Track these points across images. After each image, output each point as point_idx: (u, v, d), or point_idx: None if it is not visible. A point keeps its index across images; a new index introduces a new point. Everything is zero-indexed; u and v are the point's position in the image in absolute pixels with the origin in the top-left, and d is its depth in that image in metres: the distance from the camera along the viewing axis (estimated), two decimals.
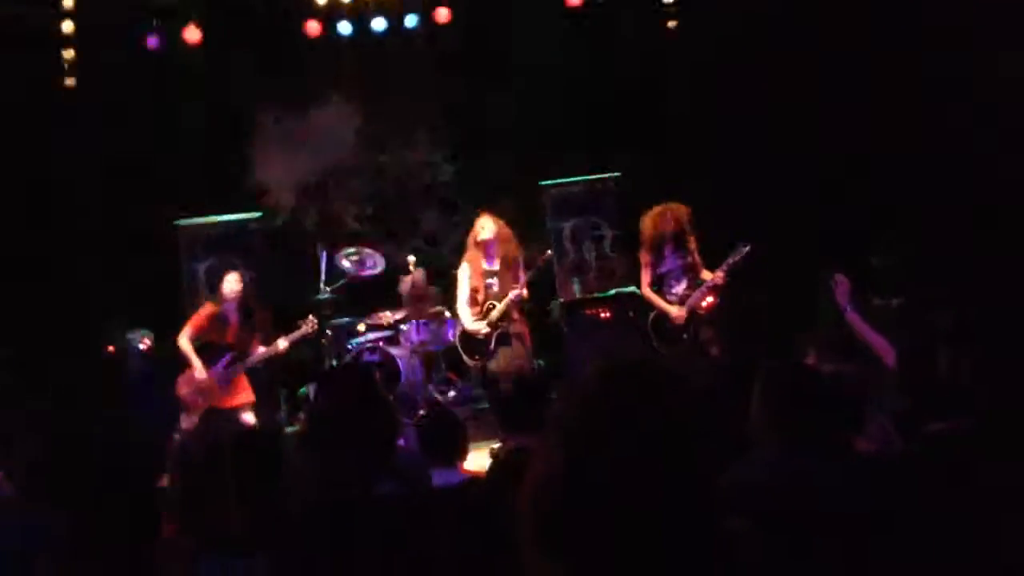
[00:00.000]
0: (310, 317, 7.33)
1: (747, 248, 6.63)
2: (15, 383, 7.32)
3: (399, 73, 10.08)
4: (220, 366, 6.78)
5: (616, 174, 9.07)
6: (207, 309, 7.01)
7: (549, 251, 7.09)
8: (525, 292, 7.04)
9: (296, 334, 7.13)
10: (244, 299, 6.98)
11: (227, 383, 6.78)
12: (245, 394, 6.92)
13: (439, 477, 3.85)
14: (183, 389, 6.81)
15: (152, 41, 9.01)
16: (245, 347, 6.94)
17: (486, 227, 7.03)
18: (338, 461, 2.85)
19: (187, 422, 6.68)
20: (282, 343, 7.03)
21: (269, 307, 7.59)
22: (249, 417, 6.78)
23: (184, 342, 6.84)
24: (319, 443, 2.93)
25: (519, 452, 3.91)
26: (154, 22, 9.00)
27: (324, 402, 3.07)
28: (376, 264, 8.45)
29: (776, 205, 8.64)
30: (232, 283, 6.95)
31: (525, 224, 9.86)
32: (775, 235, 7.95)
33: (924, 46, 7.95)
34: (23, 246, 8.43)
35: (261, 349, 7.01)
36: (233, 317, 6.95)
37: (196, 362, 6.75)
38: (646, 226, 6.95)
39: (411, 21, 9.35)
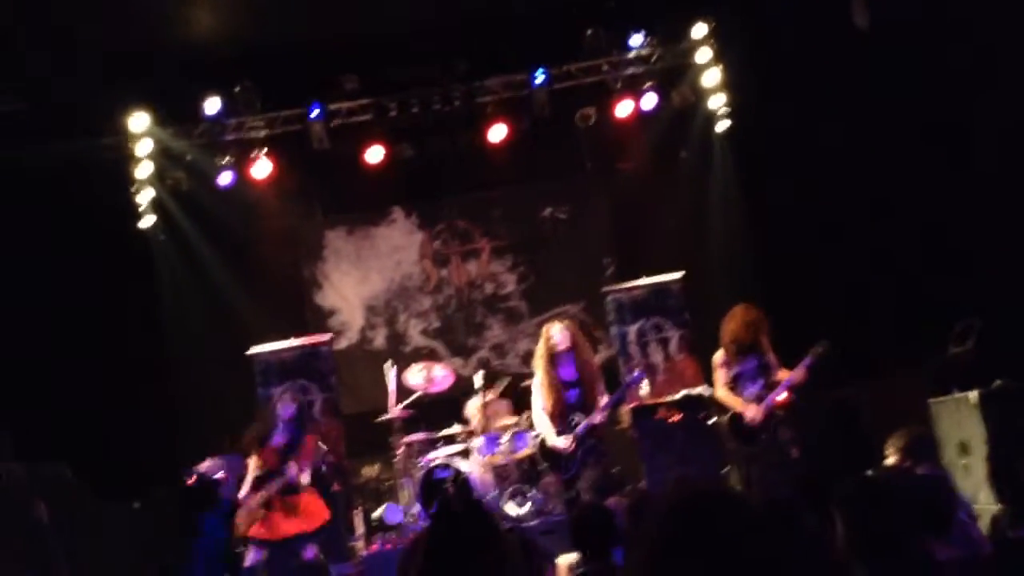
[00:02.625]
0: (321, 446, 7.30)
1: (824, 347, 6.54)
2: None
3: (457, 188, 10.42)
4: (262, 492, 6.56)
5: (678, 275, 9.08)
6: (254, 437, 6.82)
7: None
8: (606, 413, 6.97)
9: (312, 462, 6.89)
10: (297, 421, 6.88)
11: (262, 509, 6.56)
12: (301, 523, 6.60)
13: None
14: (240, 521, 6.62)
15: (225, 177, 9.46)
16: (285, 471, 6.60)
17: (558, 336, 7.01)
18: None
19: (251, 557, 6.53)
20: (305, 477, 6.62)
21: (316, 430, 7.55)
22: (309, 551, 6.58)
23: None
24: None
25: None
26: (225, 159, 9.45)
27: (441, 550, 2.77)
28: (444, 379, 8.52)
29: (852, 299, 8.59)
30: (287, 405, 6.82)
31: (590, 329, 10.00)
32: (852, 331, 7.88)
33: None
34: (102, 378, 8.73)
35: (284, 476, 6.60)
36: (278, 440, 6.75)
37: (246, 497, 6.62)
38: (726, 328, 6.91)
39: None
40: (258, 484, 6.62)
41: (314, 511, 6.71)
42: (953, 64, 8.07)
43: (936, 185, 8.53)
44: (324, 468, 7.82)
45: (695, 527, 1.81)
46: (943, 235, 8.52)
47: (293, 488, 6.58)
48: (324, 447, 6.86)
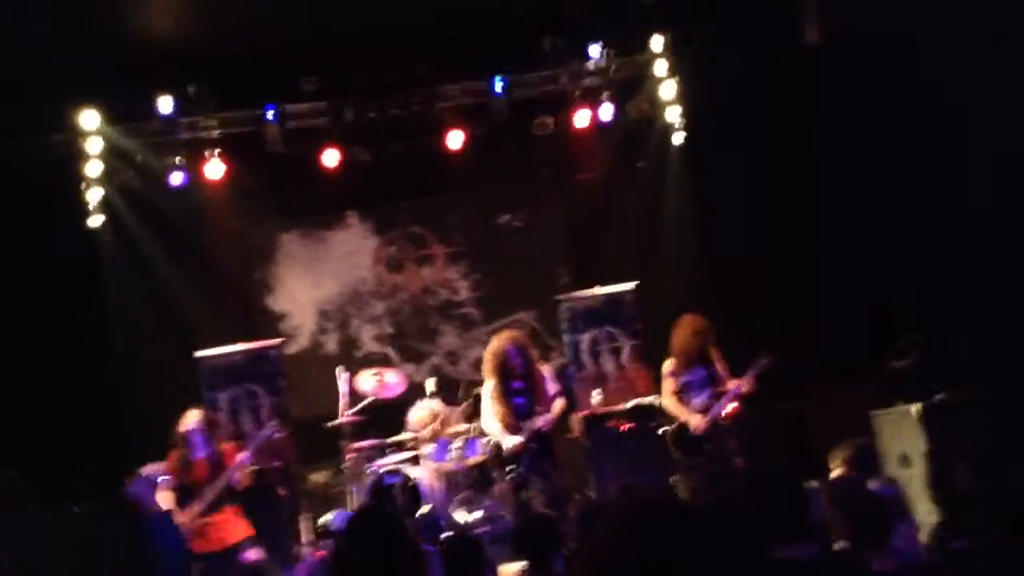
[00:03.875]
0: (270, 421, 7.30)
1: (769, 358, 6.63)
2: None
3: (413, 193, 10.39)
4: (195, 504, 6.61)
5: (632, 284, 9.15)
6: (173, 453, 6.86)
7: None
8: (551, 421, 6.99)
9: (256, 441, 6.98)
10: (208, 433, 6.85)
11: (201, 519, 6.60)
12: (241, 529, 6.72)
13: None
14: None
15: (176, 177, 9.33)
16: (215, 479, 6.70)
17: (502, 347, 7.02)
18: None
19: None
20: (244, 454, 6.80)
21: (233, 438, 7.55)
22: (252, 553, 6.59)
23: (163, 496, 6.73)
24: None
25: None
26: (177, 159, 9.32)
27: (353, 556, 2.95)
28: (397, 385, 8.48)
29: (801, 312, 8.72)
30: (191, 420, 6.82)
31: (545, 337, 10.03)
32: (800, 343, 8.00)
33: None
34: (45, 379, 8.56)
35: (224, 474, 6.72)
36: (199, 454, 6.78)
37: (176, 512, 6.61)
38: (675, 337, 6.99)
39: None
40: (187, 499, 6.59)
41: (244, 522, 6.72)
42: (904, 78, 8.24)
43: (885, 199, 8.71)
44: (269, 472, 7.77)
45: (637, 536, 1.82)
46: (891, 248, 8.67)
47: (222, 499, 6.59)
48: (245, 453, 6.79)
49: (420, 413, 8.25)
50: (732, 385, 6.77)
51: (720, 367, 6.86)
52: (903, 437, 6.53)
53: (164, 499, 6.71)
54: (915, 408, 6.45)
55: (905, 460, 6.39)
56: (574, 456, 8.43)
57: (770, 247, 9.17)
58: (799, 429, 7.95)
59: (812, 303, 8.91)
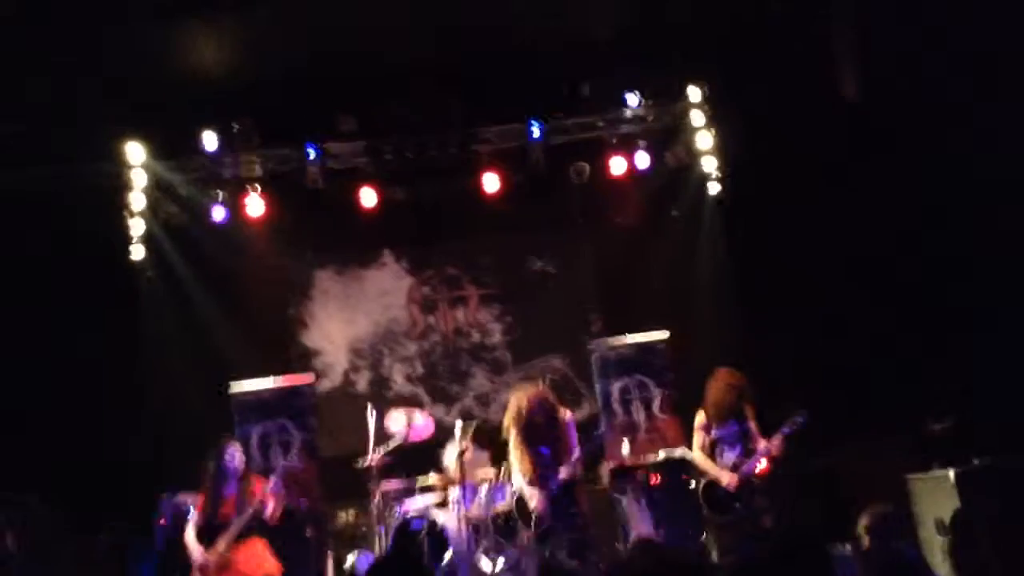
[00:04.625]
0: (291, 452, 7.28)
1: (803, 416, 6.56)
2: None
3: (449, 235, 10.47)
4: (222, 537, 6.57)
5: (664, 333, 9.12)
6: (204, 488, 6.84)
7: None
8: (576, 471, 6.92)
9: (279, 470, 6.93)
10: (240, 469, 6.83)
11: (228, 552, 6.56)
12: (269, 565, 6.69)
13: None
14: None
15: (217, 212, 9.47)
16: (242, 514, 6.67)
17: (525, 404, 6.95)
18: None
19: None
20: (272, 481, 6.76)
21: (263, 473, 7.54)
22: None
23: (190, 537, 6.66)
24: None
25: None
26: (219, 195, 9.47)
27: None
28: (426, 427, 8.47)
29: (833, 370, 8.65)
30: (223, 454, 6.81)
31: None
32: (835, 400, 7.92)
33: None
34: (78, 408, 8.66)
35: (253, 506, 6.70)
36: (231, 489, 6.78)
37: (195, 551, 6.57)
38: (708, 391, 6.94)
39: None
40: (213, 536, 6.57)
41: (269, 558, 6.69)
42: (943, 136, 8.21)
43: (923, 256, 8.64)
44: (296, 511, 7.78)
45: None
46: (929, 308, 8.59)
47: (250, 531, 6.57)
48: (266, 494, 6.76)
49: (452, 454, 8.26)
50: (764, 443, 6.69)
51: (753, 424, 6.79)
52: (939, 503, 6.42)
53: (189, 536, 6.70)
54: (951, 474, 6.34)
55: (941, 527, 6.27)
56: (602, 507, 8.36)
57: (805, 301, 9.10)
58: (832, 489, 7.84)
59: (847, 359, 8.82)
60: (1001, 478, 6.20)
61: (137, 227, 9.27)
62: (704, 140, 9.65)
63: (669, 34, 9.19)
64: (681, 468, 7.90)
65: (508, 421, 6.99)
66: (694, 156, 9.83)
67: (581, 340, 9.73)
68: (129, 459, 8.75)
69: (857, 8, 8.33)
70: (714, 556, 6.83)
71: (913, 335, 8.47)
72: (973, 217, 8.17)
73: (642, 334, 9.17)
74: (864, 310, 9.04)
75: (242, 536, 6.66)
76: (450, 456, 8.32)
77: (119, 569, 7.79)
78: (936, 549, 6.31)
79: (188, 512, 7.23)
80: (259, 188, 9.51)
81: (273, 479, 6.78)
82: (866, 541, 4.59)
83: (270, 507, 6.71)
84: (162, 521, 7.55)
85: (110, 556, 7.82)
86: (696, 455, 7.03)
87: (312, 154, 9.45)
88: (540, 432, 6.86)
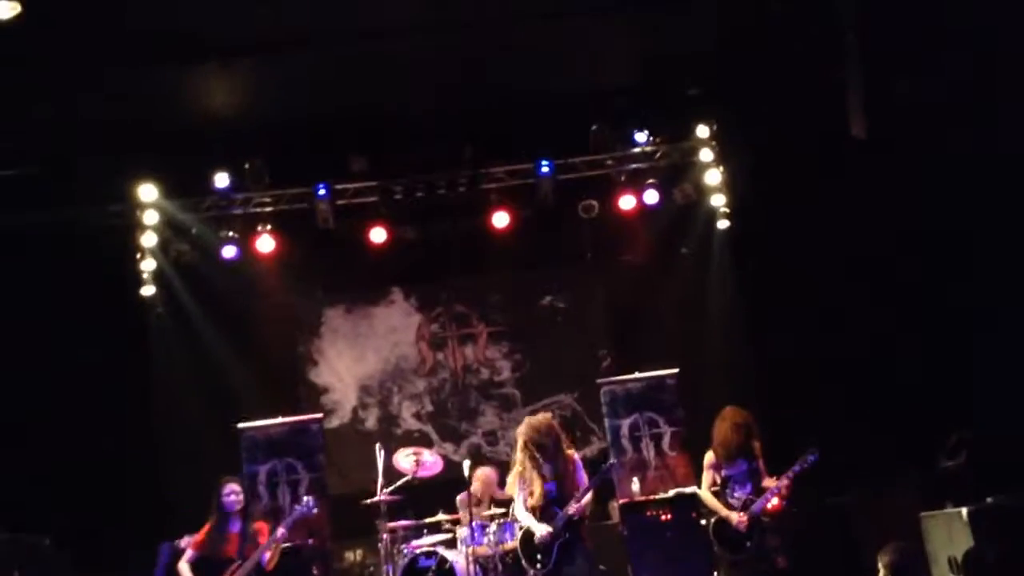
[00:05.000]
0: (305, 497, 7.19)
1: (815, 455, 6.51)
2: None
3: (458, 272, 10.50)
4: None
5: (674, 371, 9.08)
6: (207, 525, 6.77)
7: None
8: (583, 507, 6.86)
9: (291, 517, 6.88)
10: (245, 507, 6.84)
11: None
12: None
13: None
14: None
15: (228, 251, 9.54)
16: (245, 555, 6.58)
17: (534, 432, 6.88)
18: None
19: None
20: (280, 530, 6.68)
21: (269, 512, 7.48)
22: None
23: (183, 567, 6.63)
24: None
25: None
26: (230, 233, 9.55)
27: None
28: (434, 465, 8.43)
29: (847, 406, 8.59)
30: (228, 493, 6.73)
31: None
32: (846, 438, 7.86)
33: None
34: (86, 445, 8.67)
35: (258, 551, 6.59)
36: (234, 527, 6.70)
37: None
38: (716, 429, 6.89)
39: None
40: (212, 573, 6.51)
41: None
42: (950, 173, 8.21)
43: (935, 294, 8.60)
44: (303, 549, 7.72)
45: None
46: (941, 346, 8.54)
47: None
48: (281, 529, 6.70)
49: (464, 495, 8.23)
50: (774, 482, 6.64)
51: (762, 462, 6.74)
52: (952, 541, 6.33)
53: (183, 569, 6.66)
54: (964, 512, 6.26)
55: (954, 565, 6.18)
56: (612, 543, 8.28)
57: (816, 338, 9.07)
58: (844, 527, 7.74)
59: (858, 398, 8.77)
60: (1015, 516, 6.11)
61: (148, 265, 9.35)
62: (712, 176, 9.69)
63: (676, 72, 9.25)
64: (691, 505, 7.83)
65: (517, 445, 6.95)
66: (703, 193, 9.87)
67: (591, 377, 9.68)
68: (136, 498, 8.74)
69: (863, 48, 8.37)
70: None
71: (930, 373, 8.41)
72: (987, 254, 8.14)
73: (652, 371, 9.13)
74: (878, 347, 9.00)
75: None
76: (459, 498, 8.27)
77: None
78: None
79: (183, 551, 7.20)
80: (269, 226, 9.59)
81: (282, 528, 6.71)
82: None
83: (267, 556, 6.65)
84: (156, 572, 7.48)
85: None
86: (704, 494, 6.97)
87: (322, 192, 9.52)
88: (548, 454, 6.81)
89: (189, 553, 6.71)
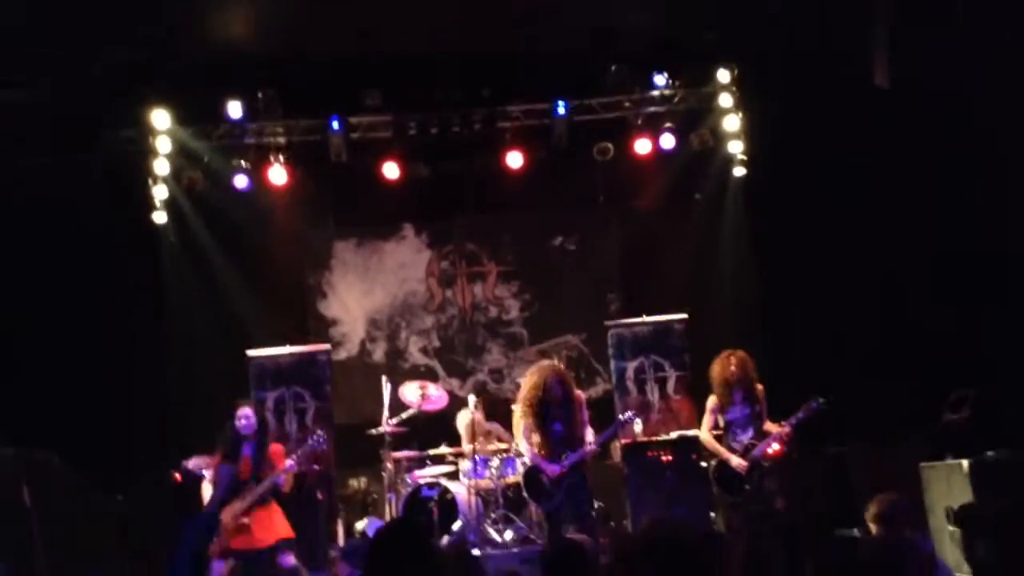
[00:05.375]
0: (318, 431, 7.30)
1: (819, 403, 6.54)
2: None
3: (470, 210, 10.48)
4: (238, 501, 6.56)
5: (682, 315, 9.08)
6: (220, 448, 6.78)
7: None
8: (591, 452, 6.93)
9: (302, 451, 6.96)
10: (258, 432, 6.91)
11: (243, 518, 6.55)
12: (282, 529, 6.69)
13: None
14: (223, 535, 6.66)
15: (240, 181, 9.53)
16: (259, 478, 6.65)
17: (543, 379, 6.91)
18: None
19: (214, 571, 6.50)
20: (289, 462, 6.78)
21: (278, 438, 7.57)
22: (288, 558, 6.60)
23: (207, 488, 6.76)
24: None
25: None
26: (242, 163, 9.53)
27: (378, 563, 3.03)
28: (440, 399, 8.53)
29: (853, 358, 8.60)
30: (241, 417, 6.75)
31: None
32: (852, 388, 7.88)
33: None
34: (98, 368, 8.77)
35: (270, 477, 6.68)
36: (246, 451, 6.75)
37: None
38: (714, 371, 6.95)
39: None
40: (230, 496, 6.61)
41: (283, 522, 6.72)
42: (970, 125, 8.09)
43: (948, 247, 8.54)
44: (309, 476, 7.84)
45: (658, 568, 1.83)
46: (951, 298, 8.51)
47: (266, 498, 6.62)
48: (292, 460, 6.79)
49: (465, 418, 8.36)
50: (776, 428, 6.69)
51: (764, 407, 6.78)
52: (952, 492, 6.38)
53: (206, 493, 6.79)
54: (965, 464, 6.30)
55: (953, 516, 6.23)
56: (612, 483, 8.38)
57: (826, 288, 9.04)
58: (843, 476, 7.80)
59: (866, 348, 8.77)
60: (1015, 470, 6.15)
61: (160, 192, 9.36)
62: (731, 122, 9.58)
63: (698, 15, 9.10)
64: (693, 448, 7.90)
65: (524, 394, 6.99)
66: (720, 138, 9.77)
67: (598, 319, 9.71)
68: (147, 421, 8.87)
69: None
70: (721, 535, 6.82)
71: (937, 323, 8.40)
72: (1001, 208, 8.06)
73: (660, 315, 9.14)
74: (889, 299, 8.97)
75: (256, 503, 6.72)
76: (463, 421, 8.41)
77: (135, 527, 7.89)
78: (946, 537, 6.28)
79: (201, 473, 7.31)
80: (282, 158, 9.57)
81: (290, 460, 6.79)
82: (874, 528, 4.57)
83: (283, 480, 6.75)
84: (177, 477, 7.63)
85: (125, 515, 7.91)
86: (705, 437, 7.04)
87: (336, 126, 9.47)
88: (554, 410, 6.85)
89: (209, 474, 6.80)
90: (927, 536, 6.31)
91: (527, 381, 7.04)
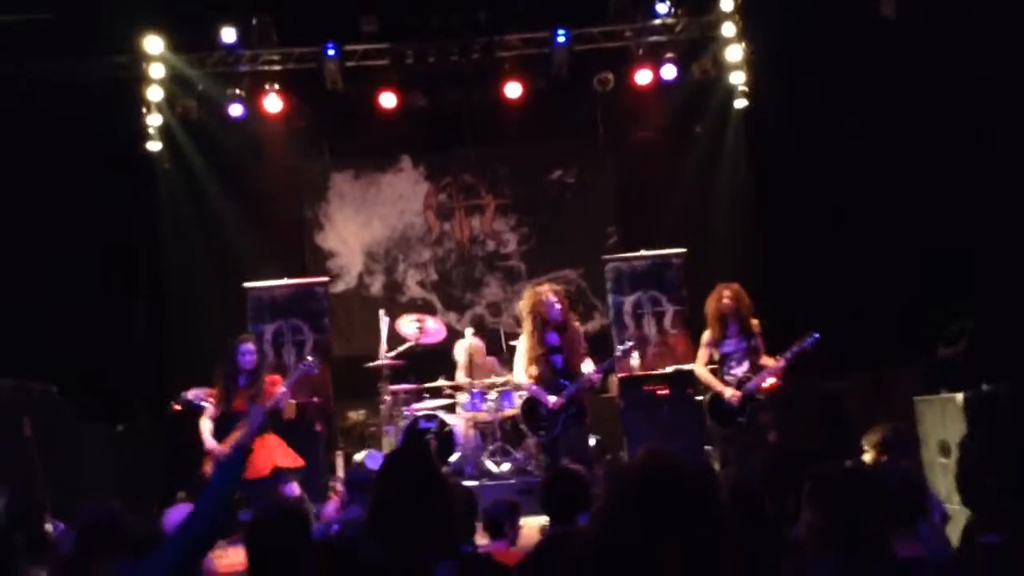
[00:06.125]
0: (308, 356, 7.34)
1: (814, 337, 6.54)
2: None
3: (468, 142, 10.36)
4: (236, 432, 6.63)
5: (681, 250, 9.04)
6: (219, 380, 6.78)
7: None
8: (597, 378, 6.97)
9: (292, 377, 7.00)
10: (255, 365, 6.90)
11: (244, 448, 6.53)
12: (279, 459, 6.66)
13: None
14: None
15: (235, 109, 9.39)
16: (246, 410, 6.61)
17: (550, 303, 6.93)
18: (401, 547, 2.86)
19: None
20: (281, 389, 6.79)
21: (275, 370, 7.60)
22: (293, 487, 6.65)
23: (205, 424, 6.69)
24: (381, 530, 2.93)
25: (563, 538, 3.90)
26: (237, 91, 9.38)
27: (387, 490, 3.05)
28: (437, 332, 8.54)
29: (852, 292, 8.58)
30: (240, 349, 6.73)
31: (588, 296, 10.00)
32: (849, 323, 7.87)
33: None
34: (97, 309, 8.75)
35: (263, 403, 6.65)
36: (243, 383, 6.76)
37: (209, 442, 6.59)
38: (708, 305, 6.95)
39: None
40: (227, 428, 6.63)
41: (287, 451, 6.77)
42: (979, 62, 7.95)
43: (948, 184, 8.47)
44: (307, 407, 7.89)
45: (649, 499, 1.83)
46: (949, 235, 8.46)
47: (264, 427, 6.64)
48: (283, 386, 6.80)
49: (463, 347, 8.40)
50: (771, 361, 6.70)
51: (760, 341, 6.79)
52: (946, 425, 6.41)
53: (205, 428, 6.80)
54: (959, 397, 6.31)
55: (944, 449, 6.28)
56: (608, 416, 8.44)
57: (824, 223, 8.98)
58: (837, 409, 7.85)
59: (863, 283, 8.74)
60: (1010, 404, 6.17)
61: (154, 120, 9.22)
62: (734, 52, 9.41)
63: None
64: (688, 382, 7.93)
65: (524, 314, 7.00)
66: (722, 69, 9.61)
67: (596, 253, 9.65)
68: (144, 352, 8.89)
69: None
70: (716, 467, 6.89)
71: (934, 262, 8.37)
72: (1001, 144, 7.96)
73: (659, 250, 9.10)
74: (887, 236, 8.92)
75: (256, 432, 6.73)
76: (458, 360, 8.42)
77: (134, 457, 7.96)
78: (937, 469, 6.34)
79: (201, 405, 7.33)
80: (277, 86, 9.42)
81: (283, 387, 6.80)
82: (873, 456, 4.59)
83: (284, 404, 6.78)
84: (175, 407, 7.66)
85: (123, 445, 7.98)
86: (700, 370, 7.07)
87: (332, 53, 9.30)
88: (552, 333, 6.87)
89: (210, 409, 6.80)
90: (919, 466, 6.36)
91: (524, 303, 7.06)
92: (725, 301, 6.79)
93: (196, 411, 7.27)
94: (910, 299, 8.47)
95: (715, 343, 6.91)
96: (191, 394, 7.70)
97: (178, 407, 7.70)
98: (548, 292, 6.97)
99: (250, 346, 6.82)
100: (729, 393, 6.70)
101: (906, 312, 8.37)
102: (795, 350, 6.59)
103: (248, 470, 6.55)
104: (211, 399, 6.86)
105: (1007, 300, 7.48)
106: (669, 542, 1.76)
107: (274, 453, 6.71)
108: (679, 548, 1.76)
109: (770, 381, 6.70)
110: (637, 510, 1.80)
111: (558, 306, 6.89)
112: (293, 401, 6.99)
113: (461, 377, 8.35)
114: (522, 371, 7.06)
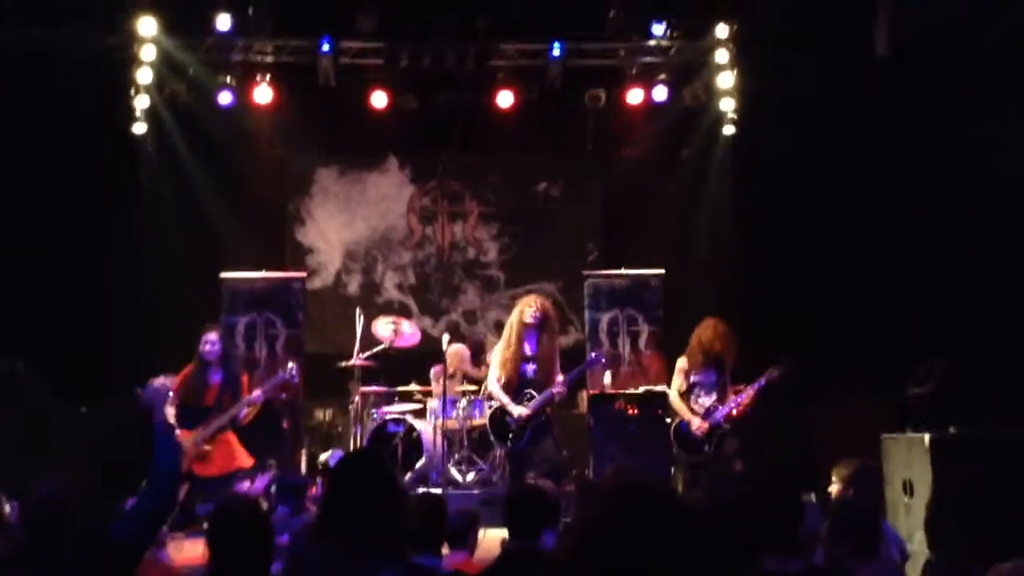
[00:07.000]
0: (289, 364, 7.31)
1: (780, 369, 6.58)
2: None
3: (456, 147, 10.35)
4: (201, 428, 6.61)
5: (659, 271, 9.07)
6: (187, 368, 6.86)
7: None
8: (563, 394, 6.99)
9: (271, 382, 6.98)
10: (225, 359, 6.87)
11: (205, 444, 6.60)
12: (240, 460, 6.75)
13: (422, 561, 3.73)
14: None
15: (224, 97, 9.32)
16: (225, 406, 6.74)
17: (533, 311, 6.95)
18: (348, 549, 2.84)
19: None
20: (256, 392, 6.86)
21: (247, 363, 7.55)
22: (244, 484, 6.62)
23: (168, 411, 6.67)
24: (330, 531, 2.91)
25: (522, 554, 3.88)
26: (228, 79, 9.31)
27: (337, 490, 3.04)
28: (412, 336, 8.49)
29: (825, 324, 8.64)
30: (212, 343, 6.80)
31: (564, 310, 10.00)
32: (821, 355, 7.92)
33: None
34: (71, 288, 8.64)
35: (236, 406, 6.76)
36: (214, 379, 6.79)
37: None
38: (699, 337, 6.95)
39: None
40: (191, 419, 6.59)
41: (242, 452, 6.74)
42: (970, 99, 8.04)
43: (928, 224, 8.56)
44: (275, 403, 7.83)
45: (625, 520, 1.82)
46: (925, 273, 8.55)
47: (226, 427, 6.61)
48: (259, 391, 6.76)
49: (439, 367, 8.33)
50: (738, 392, 6.76)
51: (729, 375, 6.84)
52: (911, 466, 6.45)
53: (168, 415, 6.73)
54: (927, 437, 6.36)
55: (908, 488, 6.32)
56: (576, 432, 8.43)
57: (804, 254, 9.04)
58: (804, 441, 7.90)
59: (839, 315, 8.82)
60: (976, 447, 6.22)
61: (142, 102, 9.13)
62: (725, 79, 9.47)
63: None
64: (659, 403, 7.94)
65: (510, 319, 7.02)
66: (713, 95, 9.66)
67: (576, 268, 9.68)
68: (115, 335, 8.78)
69: None
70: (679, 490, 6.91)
71: (911, 295, 8.45)
72: (988, 183, 8.05)
73: (638, 269, 9.12)
74: (863, 270, 9.00)
75: (218, 431, 6.71)
76: (433, 371, 8.35)
77: (98, 440, 7.85)
78: (901, 509, 6.37)
79: (166, 393, 7.23)
80: (269, 77, 9.36)
81: (258, 391, 6.77)
82: (839, 488, 4.62)
83: (245, 412, 6.76)
84: (139, 391, 7.55)
85: (91, 427, 7.87)
86: (674, 396, 7.10)
87: (326, 48, 9.25)
88: (529, 335, 6.90)
89: (171, 396, 6.74)
90: (883, 504, 6.40)
91: (517, 307, 7.11)
92: (716, 346, 6.80)
93: (161, 397, 7.18)
94: (885, 332, 8.54)
95: (689, 372, 6.94)
96: (158, 382, 7.60)
97: (140, 391, 7.60)
98: (533, 300, 7.01)
99: (212, 336, 6.80)
100: (696, 424, 6.74)
101: (880, 345, 8.44)
102: (762, 382, 6.66)
103: (207, 467, 6.54)
104: (173, 388, 6.80)
105: (980, 341, 7.57)
106: (650, 566, 1.74)
107: (236, 453, 6.68)
108: (660, 572, 1.75)
109: (734, 411, 6.74)
110: (615, 533, 1.78)
111: (537, 313, 6.91)
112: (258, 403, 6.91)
113: (434, 381, 8.30)
114: (495, 380, 7.06)
